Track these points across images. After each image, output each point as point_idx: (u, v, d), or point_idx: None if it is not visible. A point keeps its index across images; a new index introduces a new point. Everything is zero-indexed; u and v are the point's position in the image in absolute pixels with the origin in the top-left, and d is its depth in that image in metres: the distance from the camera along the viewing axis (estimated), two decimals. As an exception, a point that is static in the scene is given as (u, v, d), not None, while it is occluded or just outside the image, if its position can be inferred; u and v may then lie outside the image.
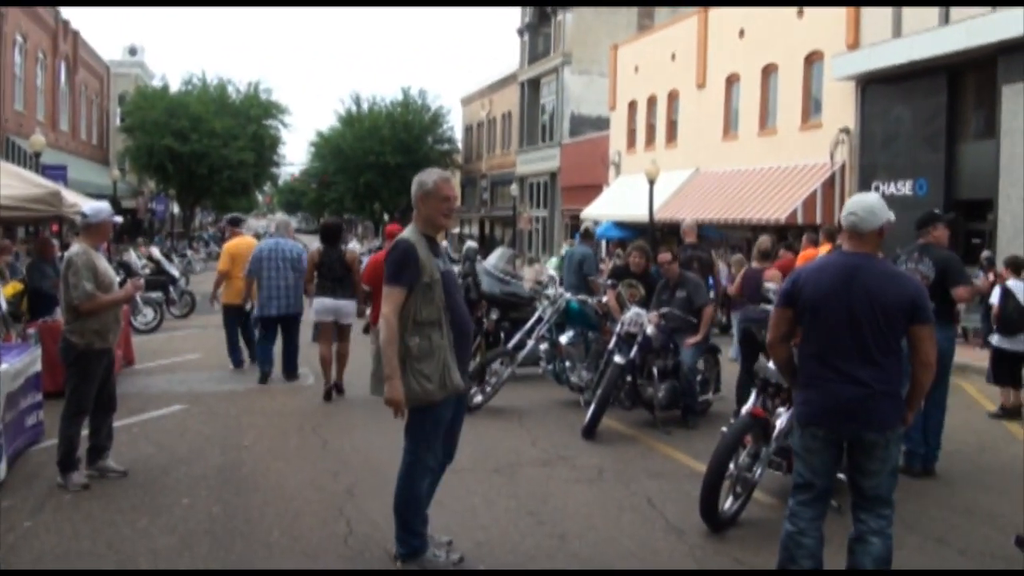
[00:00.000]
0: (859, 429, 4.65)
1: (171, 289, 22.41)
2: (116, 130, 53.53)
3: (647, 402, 9.74)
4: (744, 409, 6.64)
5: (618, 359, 9.30)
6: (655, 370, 9.65)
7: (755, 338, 9.90)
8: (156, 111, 49.93)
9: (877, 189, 24.15)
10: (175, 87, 55.32)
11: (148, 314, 19.04)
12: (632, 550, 5.96)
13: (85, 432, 7.40)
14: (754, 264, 10.44)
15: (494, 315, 12.43)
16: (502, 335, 12.52)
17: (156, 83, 56.24)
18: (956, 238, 22.19)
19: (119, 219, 8.02)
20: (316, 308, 11.38)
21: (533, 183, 48.81)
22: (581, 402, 10.42)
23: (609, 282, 10.68)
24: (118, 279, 7.73)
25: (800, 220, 25.64)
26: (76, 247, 7.15)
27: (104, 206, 7.35)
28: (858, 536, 4.77)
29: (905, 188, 23.46)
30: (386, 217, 61.63)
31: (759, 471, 6.53)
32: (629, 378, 9.57)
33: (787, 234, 27.71)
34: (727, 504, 6.44)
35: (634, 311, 9.61)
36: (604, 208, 36.25)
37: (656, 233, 29.50)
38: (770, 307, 7.76)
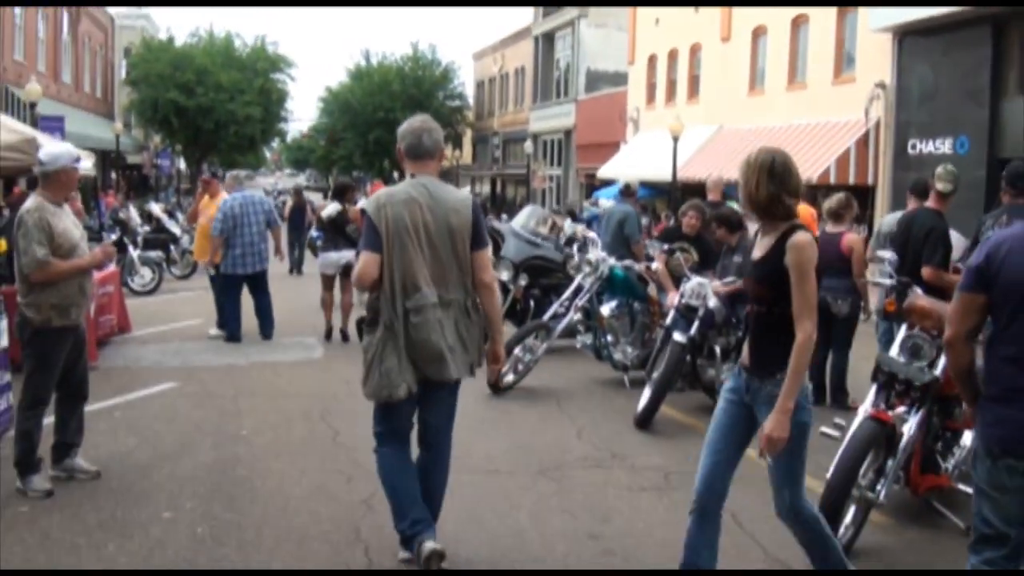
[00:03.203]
0: None
1: (172, 248, 21.11)
2: (121, 83, 52.07)
3: (707, 385, 8.44)
4: (863, 410, 5.32)
5: (678, 337, 7.95)
6: (717, 349, 8.35)
7: (830, 310, 8.66)
8: (161, 64, 48.55)
9: (914, 148, 23.00)
10: (181, 40, 53.93)
11: (146, 275, 17.84)
12: (729, 590, 4.70)
13: (50, 421, 6.17)
14: (828, 228, 9.06)
15: (523, 281, 11.16)
16: (531, 304, 11.27)
17: (162, 36, 54.75)
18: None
19: (86, 166, 6.69)
20: (321, 261, 12.16)
21: (547, 140, 47.41)
22: (625, 382, 9.19)
23: (663, 247, 9.32)
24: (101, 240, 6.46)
25: (833, 179, 24.46)
26: (30, 202, 5.77)
27: (64, 150, 5.96)
28: None
29: (944, 146, 22.17)
30: (395, 175, 60.22)
31: (883, 489, 5.16)
32: (688, 358, 8.27)
33: (817, 195, 26.53)
34: (840, 529, 5.13)
35: (696, 281, 8.26)
36: (622, 166, 35.02)
37: (677, 193, 28.39)
38: (886, 280, 6.44)
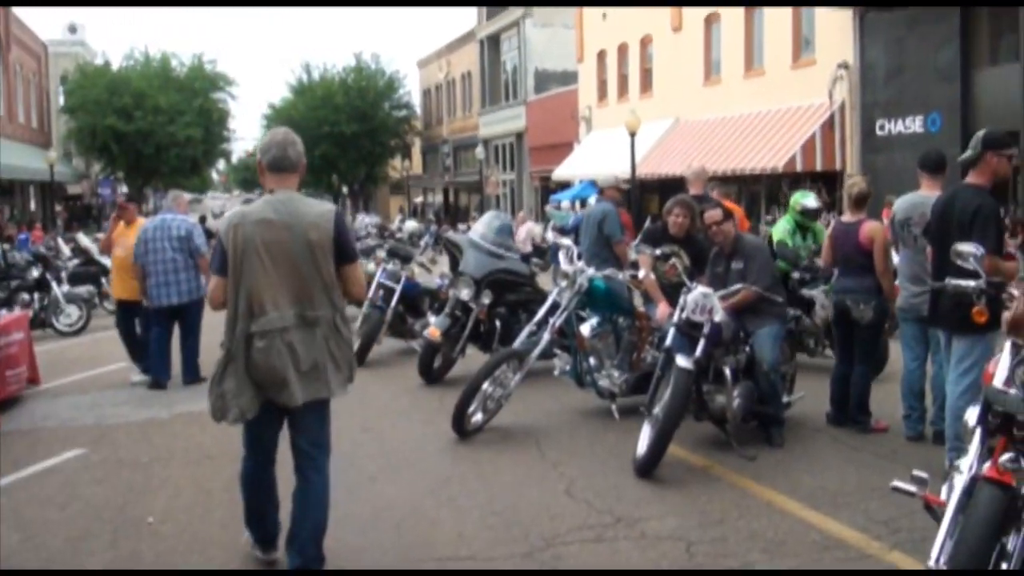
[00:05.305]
0: None
1: (103, 281, 19.51)
2: (58, 112, 50.53)
3: (717, 415, 7.02)
4: (966, 466, 3.91)
5: (683, 362, 6.47)
6: (727, 371, 6.93)
7: (850, 315, 7.42)
8: (98, 89, 47.04)
9: (883, 128, 22.08)
10: (117, 64, 52.28)
11: (72, 313, 16.40)
12: None
13: None
14: (845, 217, 7.76)
15: (486, 299, 9.74)
16: (497, 324, 9.89)
17: (98, 61, 53.03)
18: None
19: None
20: None
21: (499, 145, 46.34)
22: (614, 412, 7.85)
23: (649, 250, 7.93)
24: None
25: (799, 167, 23.63)
26: None
27: None
28: None
29: (915, 125, 21.43)
30: (344, 189, 58.91)
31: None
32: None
33: (782, 184, 25.36)
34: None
35: (700, 291, 6.80)
36: (577, 167, 34.21)
37: (636, 191, 27.31)
38: (969, 283, 4.93)
